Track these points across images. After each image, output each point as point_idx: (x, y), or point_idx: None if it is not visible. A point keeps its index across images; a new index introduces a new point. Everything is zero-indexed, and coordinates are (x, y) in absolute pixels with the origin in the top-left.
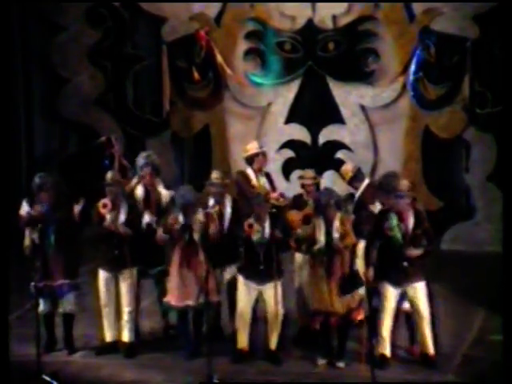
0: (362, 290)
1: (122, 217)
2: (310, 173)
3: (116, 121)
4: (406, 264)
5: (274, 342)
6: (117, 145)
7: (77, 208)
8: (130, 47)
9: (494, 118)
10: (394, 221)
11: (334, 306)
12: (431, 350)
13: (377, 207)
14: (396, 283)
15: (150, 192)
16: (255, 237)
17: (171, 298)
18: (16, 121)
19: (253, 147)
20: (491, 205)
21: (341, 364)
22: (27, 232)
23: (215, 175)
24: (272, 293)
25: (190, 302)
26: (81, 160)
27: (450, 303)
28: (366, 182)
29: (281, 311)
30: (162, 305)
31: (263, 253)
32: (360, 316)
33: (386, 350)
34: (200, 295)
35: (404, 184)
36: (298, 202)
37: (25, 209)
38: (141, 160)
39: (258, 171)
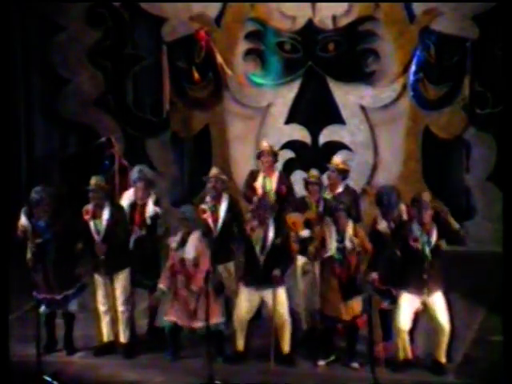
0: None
1: (104, 223)
2: (314, 172)
3: (116, 121)
4: (425, 276)
5: (286, 346)
6: (117, 145)
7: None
8: (130, 47)
9: (494, 118)
10: (419, 232)
11: (342, 314)
12: (443, 358)
13: (382, 225)
14: (415, 293)
15: (136, 205)
16: (256, 241)
17: (174, 317)
18: (16, 121)
19: (261, 145)
20: (491, 205)
21: (355, 364)
22: (28, 244)
23: (213, 171)
24: (274, 298)
25: (198, 324)
26: (81, 160)
27: (450, 303)
28: (343, 184)
29: (287, 316)
30: (163, 323)
31: (264, 258)
32: (364, 321)
33: (408, 355)
34: (205, 317)
35: (426, 195)
36: (300, 205)
37: (22, 221)
38: (134, 174)
39: (265, 172)
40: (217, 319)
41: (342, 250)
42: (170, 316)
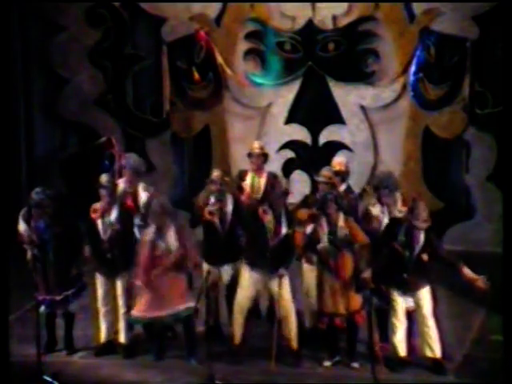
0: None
1: (113, 220)
2: (326, 172)
3: (116, 121)
4: (405, 276)
5: (294, 341)
6: (117, 145)
7: None
8: (130, 47)
9: (494, 118)
10: (404, 238)
11: (338, 308)
12: (437, 354)
13: (376, 208)
14: (401, 290)
15: (127, 193)
16: (268, 227)
17: (138, 310)
18: (16, 121)
19: (252, 146)
20: (491, 205)
21: (355, 364)
22: (28, 246)
23: (216, 173)
24: (278, 284)
25: (164, 313)
26: (81, 160)
27: (450, 303)
28: (344, 186)
29: (291, 305)
30: (129, 318)
31: (274, 245)
32: (363, 317)
33: (403, 353)
34: (172, 305)
35: (422, 207)
36: (307, 200)
37: (22, 227)
38: (124, 162)
39: (255, 171)
40: (188, 304)
41: (333, 241)
42: (139, 312)
